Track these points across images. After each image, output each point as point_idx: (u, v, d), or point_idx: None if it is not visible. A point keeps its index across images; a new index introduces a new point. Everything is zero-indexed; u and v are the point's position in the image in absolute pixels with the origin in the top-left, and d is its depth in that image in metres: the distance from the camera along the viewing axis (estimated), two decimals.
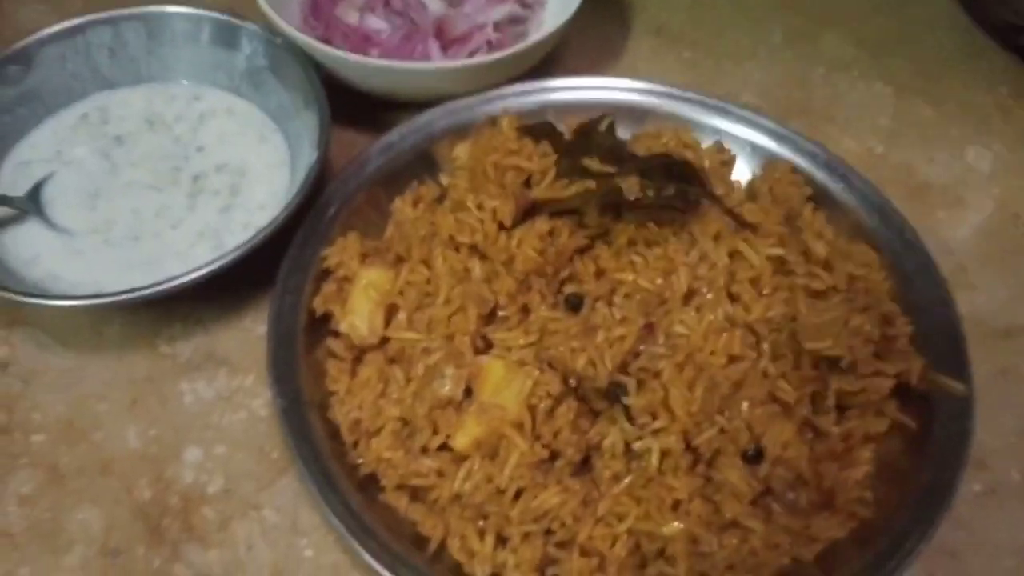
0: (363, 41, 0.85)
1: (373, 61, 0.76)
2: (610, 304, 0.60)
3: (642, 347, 0.60)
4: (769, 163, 0.74)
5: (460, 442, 0.56)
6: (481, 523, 0.56)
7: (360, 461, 0.59)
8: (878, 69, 0.94)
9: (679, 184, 0.62)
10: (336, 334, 0.65)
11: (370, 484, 0.59)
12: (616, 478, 0.56)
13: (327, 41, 0.85)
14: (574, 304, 0.60)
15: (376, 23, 0.85)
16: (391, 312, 0.64)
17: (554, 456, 0.57)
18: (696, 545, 0.55)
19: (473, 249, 0.64)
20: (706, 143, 0.77)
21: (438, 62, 0.82)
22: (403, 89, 0.80)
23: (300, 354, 0.63)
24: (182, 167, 0.76)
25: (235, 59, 0.80)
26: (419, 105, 0.77)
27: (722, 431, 0.56)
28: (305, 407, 0.60)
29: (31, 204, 0.72)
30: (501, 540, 0.56)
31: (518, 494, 0.56)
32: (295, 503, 0.61)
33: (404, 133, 0.76)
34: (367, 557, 0.53)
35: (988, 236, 0.80)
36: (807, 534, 0.57)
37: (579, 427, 0.57)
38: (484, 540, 0.55)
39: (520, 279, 0.61)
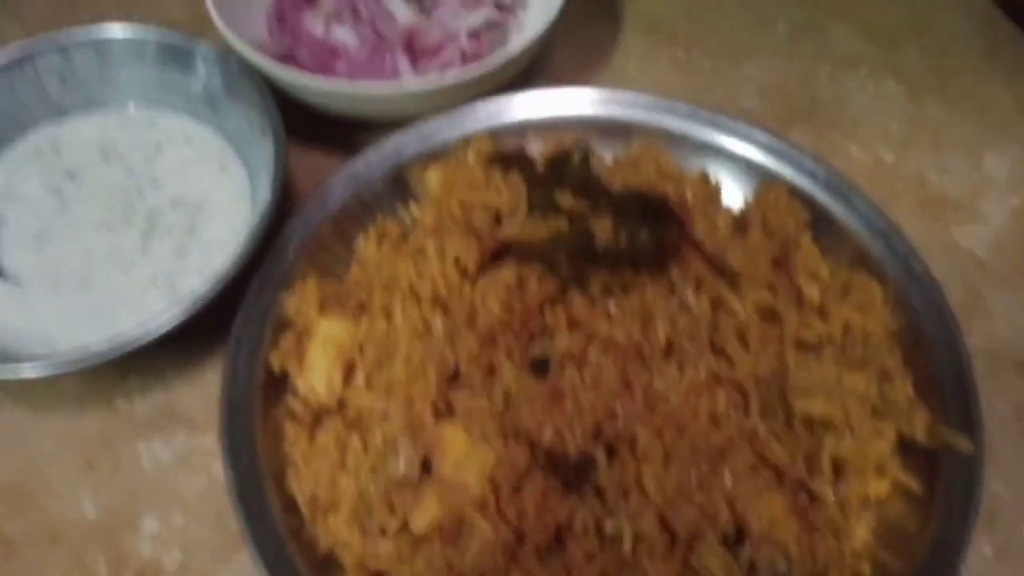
0: (329, 55, 0.79)
1: (335, 85, 0.71)
2: (581, 364, 0.55)
3: (618, 406, 0.55)
4: (764, 186, 0.68)
5: (418, 524, 0.52)
6: None
7: (319, 538, 0.56)
8: (889, 65, 0.87)
9: (655, 227, 0.56)
10: (296, 391, 0.61)
11: (329, 564, 0.55)
12: (589, 559, 0.51)
13: (291, 54, 0.80)
14: (540, 367, 0.55)
15: (343, 35, 0.79)
16: (350, 368, 0.60)
17: (521, 538, 0.52)
18: None
19: (435, 301, 0.59)
20: (696, 160, 0.71)
21: (405, 84, 0.76)
22: (369, 111, 0.75)
23: (257, 415, 0.59)
24: (135, 204, 0.72)
25: (191, 81, 0.75)
26: (389, 122, 0.72)
27: (701, 511, 0.51)
28: (260, 479, 0.56)
29: None
30: None
31: None
32: None
33: (370, 161, 0.70)
34: None
35: (1007, 255, 0.73)
36: None
37: (547, 505, 0.52)
38: None
39: (484, 336, 0.56)
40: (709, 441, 0.53)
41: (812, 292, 0.57)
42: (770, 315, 0.56)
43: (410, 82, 0.76)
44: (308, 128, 0.77)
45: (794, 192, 0.68)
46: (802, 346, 0.55)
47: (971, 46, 0.88)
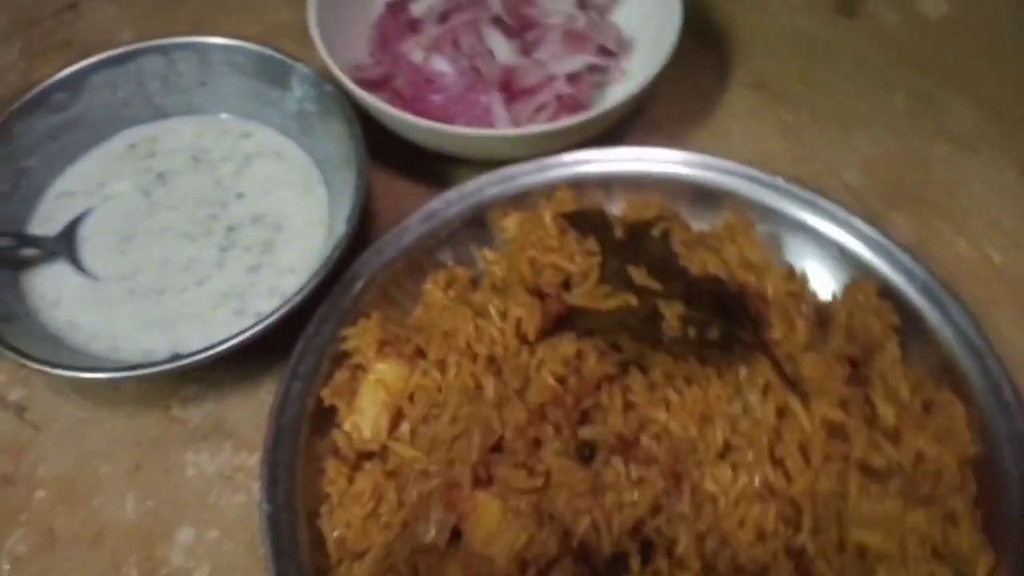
0: (425, 84, 0.78)
1: (423, 122, 0.70)
2: (628, 457, 0.53)
3: (664, 501, 0.53)
4: (853, 282, 0.64)
5: None
6: None
7: None
8: (1012, 153, 0.81)
9: (727, 324, 0.54)
10: (343, 425, 0.61)
11: None
12: None
13: (389, 78, 0.80)
14: (585, 456, 0.53)
15: (441, 65, 0.79)
16: (398, 415, 0.60)
17: None
18: None
19: (491, 361, 0.58)
20: (787, 238, 0.68)
21: (495, 128, 0.75)
22: (458, 150, 0.74)
23: (301, 447, 0.59)
24: (219, 215, 0.73)
25: (286, 99, 0.76)
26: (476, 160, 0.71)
27: None
28: (294, 514, 0.56)
29: (62, 246, 0.70)
30: None
31: None
32: None
33: (451, 200, 0.70)
34: None
35: None
36: None
37: None
38: None
39: (535, 409, 0.55)
40: (752, 556, 0.51)
41: (888, 415, 0.54)
42: (838, 431, 0.53)
43: (502, 127, 0.75)
44: (398, 155, 0.77)
45: (886, 290, 0.64)
46: (867, 470, 0.52)
47: None
